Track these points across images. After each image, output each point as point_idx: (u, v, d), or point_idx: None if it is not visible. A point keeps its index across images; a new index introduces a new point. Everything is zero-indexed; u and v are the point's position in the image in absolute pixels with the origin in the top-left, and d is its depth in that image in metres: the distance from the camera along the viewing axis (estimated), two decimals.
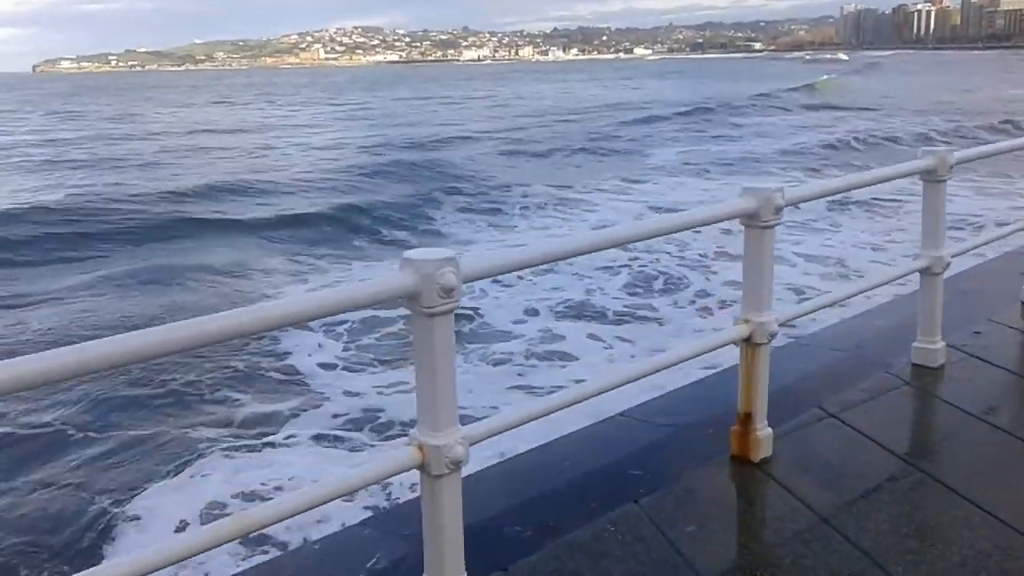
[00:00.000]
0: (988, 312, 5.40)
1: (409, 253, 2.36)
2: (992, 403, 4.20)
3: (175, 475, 6.39)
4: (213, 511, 5.68)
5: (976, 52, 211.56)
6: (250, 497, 5.85)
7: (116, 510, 5.90)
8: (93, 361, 1.84)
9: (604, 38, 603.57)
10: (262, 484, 6.04)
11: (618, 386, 3.05)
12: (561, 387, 7.72)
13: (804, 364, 4.54)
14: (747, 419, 3.58)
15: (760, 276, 3.42)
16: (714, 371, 4.68)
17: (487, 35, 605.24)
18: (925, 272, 4.41)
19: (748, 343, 3.46)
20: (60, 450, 6.96)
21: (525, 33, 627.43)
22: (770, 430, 3.63)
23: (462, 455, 2.44)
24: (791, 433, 3.83)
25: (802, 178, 21.64)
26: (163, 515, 5.75)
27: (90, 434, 7.20)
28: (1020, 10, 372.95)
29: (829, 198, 13.98)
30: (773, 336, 3.48)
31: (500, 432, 2.67)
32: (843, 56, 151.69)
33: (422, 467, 2.42)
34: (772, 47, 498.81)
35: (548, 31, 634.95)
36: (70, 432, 7.24)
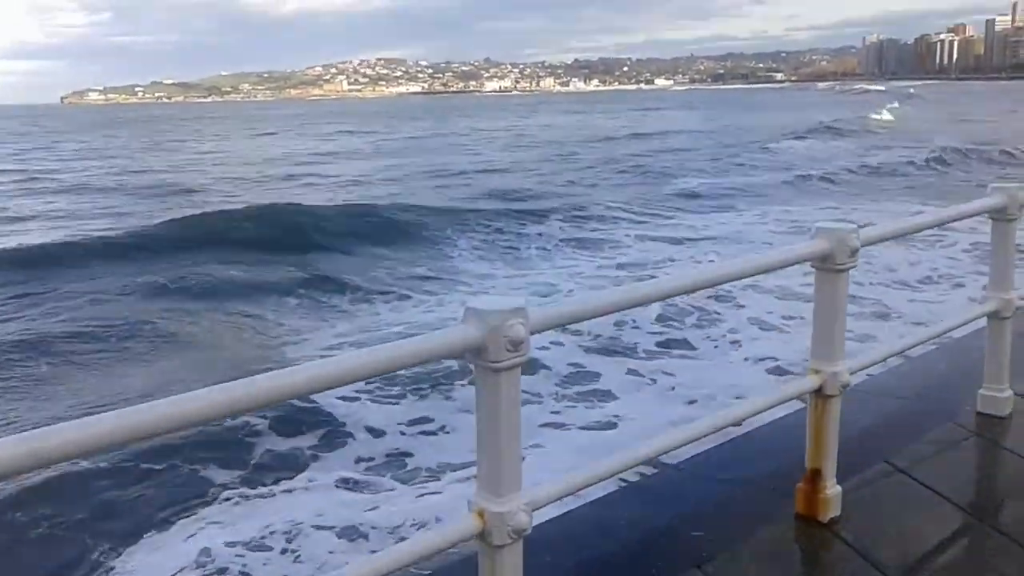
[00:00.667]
0: None
1: (474, 302, 2.20)
2: None
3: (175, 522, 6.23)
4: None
5: (1002, 83, 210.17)
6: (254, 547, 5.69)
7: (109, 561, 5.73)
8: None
9: (625, 69, 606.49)
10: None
11: (686, 443, 2.86)
12: (600, 423, 7.68)
13: (865, 413, 4.31)
14: (815, 476, 3.37)
15: (832, 323, 3.23)
16: (772, 418, 4.46)
17: (508, 66, 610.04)
18: (993, 316, 4.20)
19: (819, 395, 3.26)
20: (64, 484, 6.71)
21: (547, 64, 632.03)
22: (839, 488, 3.41)
23: (526, 523, 2.26)
24: (859, 490, 3.60)
25: None
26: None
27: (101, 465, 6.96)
28: None
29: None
30: (846, 388, 3.28)
31: (565, 496, 2.49)
32: (880, 87, 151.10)
33: (482, 536, 2.24)
34: (794, 77, 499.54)
35: (569, 62, 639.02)
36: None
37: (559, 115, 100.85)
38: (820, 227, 3.17)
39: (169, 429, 1.75)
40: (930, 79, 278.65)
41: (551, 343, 9.43)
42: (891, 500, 3.59)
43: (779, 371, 8.76)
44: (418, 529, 5.73)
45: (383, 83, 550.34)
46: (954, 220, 4.03)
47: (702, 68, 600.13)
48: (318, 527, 5.90)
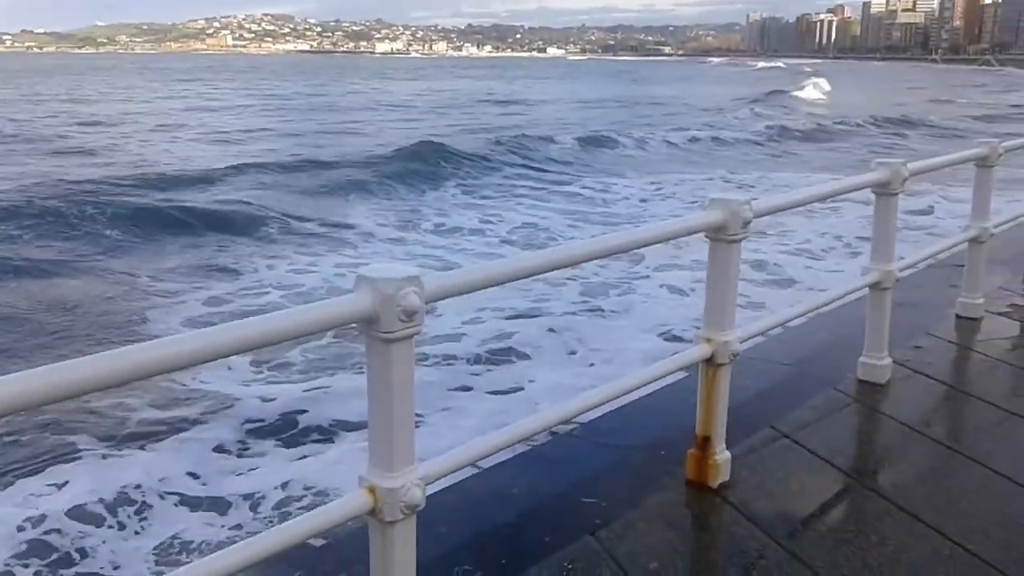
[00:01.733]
0: (925, 325, 5.39)
1: (365, 270, 2.08)
2: (935, 419, 4.16)
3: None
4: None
5: (875, 63, 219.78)
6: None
7: None
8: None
9: (518, 36, 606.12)
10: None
11: (579, 413, 2.83)
12: (514, 388, 7.65)
13: (752, 380, 4.40)
14: (705, 443, 3.40)
15: (724, 293, 3.24)
16: (663, 384, 4.50)
17: (401, 28, 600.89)
18: (874, 287, 4.33)
19: (710, 363, 3.28)
20: None
21: (440, 28, 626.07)
22: (728, 454, 3.46)
23: (419, 498, 2.18)
24: (746, 456, 3.67)
25: None
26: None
27: None
28: (915, 24, 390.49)
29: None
30: (735, 356, 3.30)
31: (459, 468, 2.41)
32: (780, 64, 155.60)
33: (373, 513, 2.15)
34: (681, 52, 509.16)
35: (462, 27, 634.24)
36: None
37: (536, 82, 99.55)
38: (714, 198, 3.16)
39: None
40: (810, 58, 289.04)
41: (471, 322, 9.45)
42: (777, 465, 3.67)
43: (675, 338, 8.93)
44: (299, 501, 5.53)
45: (269, 39, 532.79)
46: (841, 193, 4.12)
47: (593, 39, 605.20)
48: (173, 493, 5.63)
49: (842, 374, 4.53)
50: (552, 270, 2.63)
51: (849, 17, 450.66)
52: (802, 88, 61.54)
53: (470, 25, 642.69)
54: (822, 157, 28.25)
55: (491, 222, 16.51)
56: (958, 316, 5.58)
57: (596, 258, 2.68)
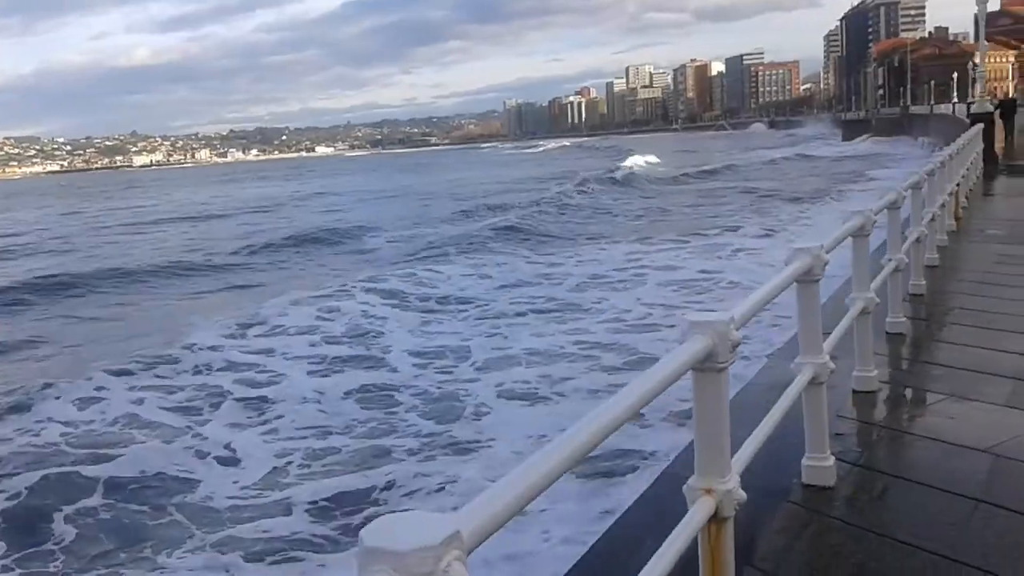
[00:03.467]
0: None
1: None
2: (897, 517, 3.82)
3: None
4: None
5: (623, 136, 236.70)
6: None
7: None
8: None
9: (284, 138, 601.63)
10: None
11: None
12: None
13: None
14: None
15: (719, 430, 2.69)
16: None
17: (159, 139, 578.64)
18: (811, 383, 3.96)
19: (713, 520, 2.69)
20: None
21: (201, 136, 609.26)
22: None
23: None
24: None
25: None
26: None
27: None
28: (654, 98, 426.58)
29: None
30: (740, 505, 2.74)
31: None
32: (547, 145, 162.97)
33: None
34: (447, 141, 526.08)
35: (225, 133, 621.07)
36: None
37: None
38: (694, 321, 2.63)
39: None
40: (565, 137, 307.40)
41: None
42: None
43: None
44: None
45: (15, 163, 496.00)
46: (781, 291, 3.72)
47: (360, 135, 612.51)
48: None
49: (788, 481, 4.11)
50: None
51: (595, 97, 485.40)
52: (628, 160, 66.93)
53: (232, 131, 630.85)
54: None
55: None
56: (854, 391, 5.38)
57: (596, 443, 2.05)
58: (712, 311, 2.75)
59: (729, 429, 2.76)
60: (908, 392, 5.38)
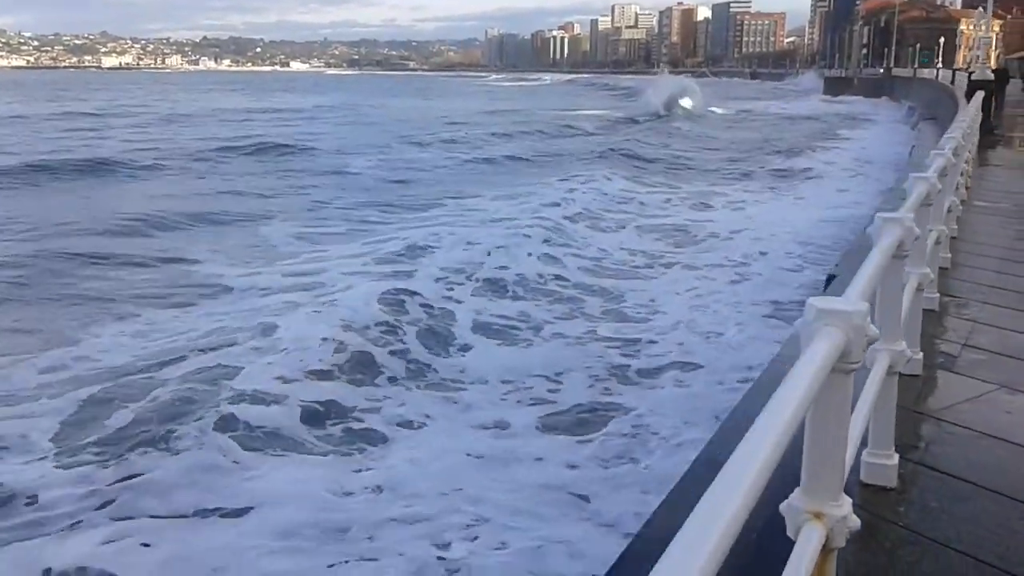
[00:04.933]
0: None
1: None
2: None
3: None
4: None
5: (615, 75, 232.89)
6: None
7: None
8: None
9: (258, 50, 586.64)
10: None
11: None
12: None
13: None
14: None
15: (838, 446, 2.21)
16: None
17: (130, 41, 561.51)
18: (888, 372, 3.50)
19: (825, 549, 2.22)
20: None
21: (172, 41, 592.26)
22: None
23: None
24: None
25: None
26: None
27: None
28: (638, 39, 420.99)
29: None
30: (853, 532, 2.27)
31: None
32: (546, 79, 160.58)
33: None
34: (426, 67, 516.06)
35: (198, 40, 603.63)
36: None
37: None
38: (823, 309, 2.12)
39: None
40: (546, 72, 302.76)
41: None
42: None
43: None
44: None
45: None
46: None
47: (337, 53, 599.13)
48: None
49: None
50: None
51: (579, 34, 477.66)
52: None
53: (206, 38, 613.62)
54: None
55: None
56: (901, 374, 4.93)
57: None
58: (835, 297, 2.27)
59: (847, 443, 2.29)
60: (955, 380, 4.94)
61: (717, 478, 1.42)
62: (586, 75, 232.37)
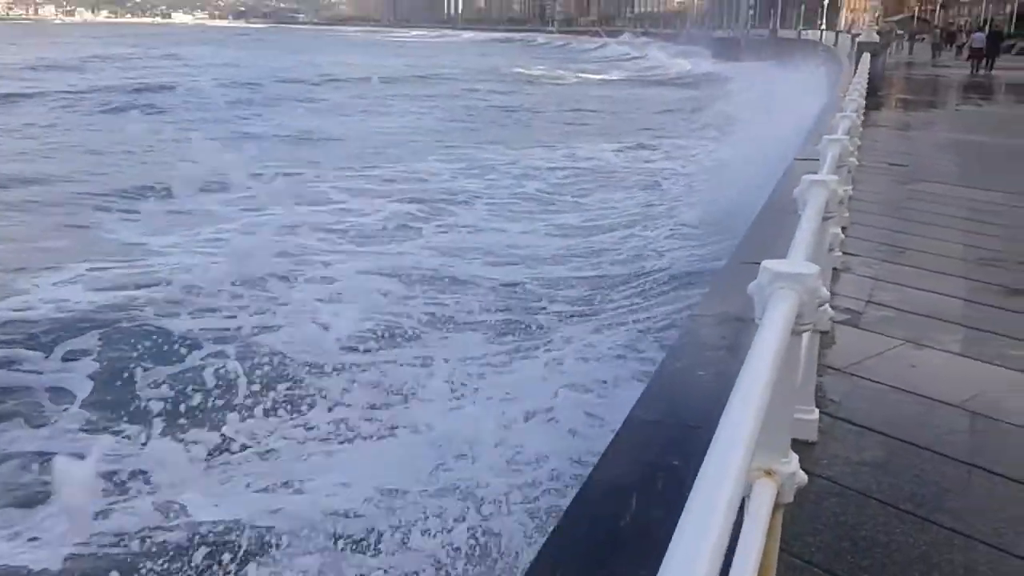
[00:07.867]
0: None
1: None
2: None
3: None
4: None
5: (500, 33, 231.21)
6: None
7: None
8: None
9: (138, 0, 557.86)
10: None
11: None
12: None
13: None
14: None
15: (787, 404, 2.29)
16: None
17: None
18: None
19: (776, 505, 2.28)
20: None
21: None
22: None
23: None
24: None
25: None
26: None
27: None
28: None
29: None
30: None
31: None
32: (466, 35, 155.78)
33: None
34: (316, 20, 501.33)
35: None
36: None
37: None
38: (779, 272, 2.16)
39: None
40: (440, 27, 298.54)
41: None
42: None
43: None
44: None
45: None
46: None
47: (222, 4, 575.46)
48: None
49: None
50: None
51: None
52: None
53: None
54: None
55: None
56: None
57: None
58: (786, 260, 2.32)
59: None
60: (863, 336, 5.16)
61: (709, 452, 1.43)
62: (502, 33, 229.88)
